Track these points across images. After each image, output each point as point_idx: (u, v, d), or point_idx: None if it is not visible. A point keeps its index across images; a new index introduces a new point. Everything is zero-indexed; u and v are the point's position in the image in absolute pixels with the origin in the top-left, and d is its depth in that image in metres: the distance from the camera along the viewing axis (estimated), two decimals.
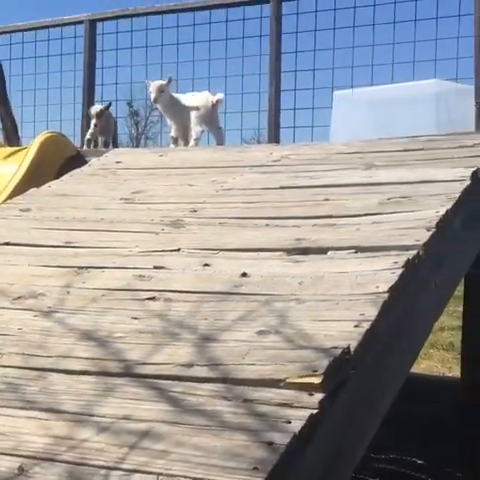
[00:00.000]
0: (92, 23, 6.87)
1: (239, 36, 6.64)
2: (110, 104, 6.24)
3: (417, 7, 6.13)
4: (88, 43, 6.83)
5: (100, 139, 6.08)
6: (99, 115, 5.91)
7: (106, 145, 6.00)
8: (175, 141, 5.62)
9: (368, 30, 6.29)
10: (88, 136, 5.97)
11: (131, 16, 6.81)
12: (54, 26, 7.15)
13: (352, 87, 6.10)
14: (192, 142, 5.38)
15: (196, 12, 6.63)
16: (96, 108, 6.04)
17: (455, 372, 6.13)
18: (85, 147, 5.83)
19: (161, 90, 5.46)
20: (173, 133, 5.60)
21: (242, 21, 6.58)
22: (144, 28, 6.81)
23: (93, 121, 5.89)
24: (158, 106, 5.77)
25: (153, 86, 5.53)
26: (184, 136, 5.53)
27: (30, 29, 7.15)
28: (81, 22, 6.92)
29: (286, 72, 6.37)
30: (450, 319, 8.21)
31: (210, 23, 6.65)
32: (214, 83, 6.63)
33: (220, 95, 5.57)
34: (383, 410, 2.18)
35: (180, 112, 5.48)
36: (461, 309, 4.58)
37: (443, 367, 7.15)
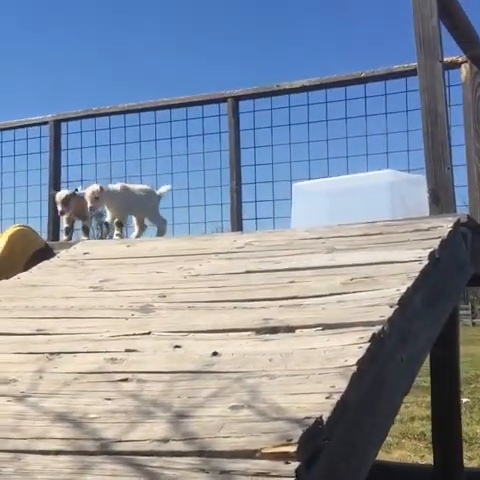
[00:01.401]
0: (57, 123, 7.03)
1: (199, 133, 6.85)
2: (76, 189, 6.10)
3: (367, 103, 6.43)
4: (53, 142, 6.97)
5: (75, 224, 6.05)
6: (65, 202, 5.81)
7: (85, 230, 5.94)
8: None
9: (322, 125, 6.55)
10: (65, 224, 5.91)
11: (94, 116, 7.00)
12: (20, 127, 7.31)
13: (309, 178, 6.30)
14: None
15: (157, 111, 6.85)
16: (61, 195, 5.91)
17: (428, 460, 6.12)
18: (64, 236, 5.89)
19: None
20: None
21: (201, 119, 6.81)
22: (107, 127, 6.99)
23: (59, 208, 5.77)
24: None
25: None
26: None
27: None
28: (46, 123, 7.09)
29: (246, 166, 6.56)
30: (420, 409, 8.25)
31: (171, 121, 6.86)
32: (177, 178, 6.79)
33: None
34: None
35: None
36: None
37: (416, 456, 7.13)
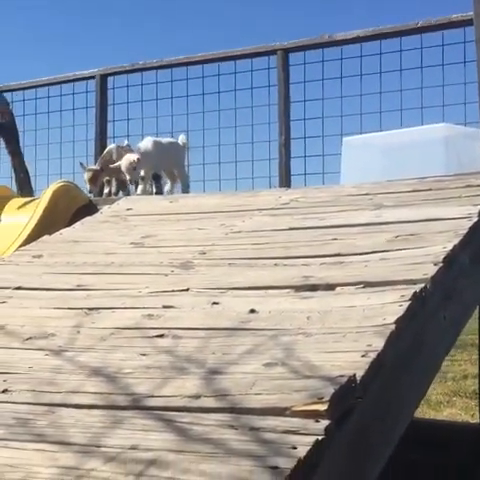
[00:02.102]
0: (103, 78, 7.05)
1: (248, 87, 6.79)
2: (101, 169, 5.89)
3: (423, 54, 6.26)
4: (99, 97, 7.00)
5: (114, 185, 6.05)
6: (92, 180, 5.74)
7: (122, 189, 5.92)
8: None
9: (375, 78, 6.42)
10: (106, 189, 5.97)
11: (141, 70, 6.99)
12: (66, 82, 7.35)
13: (361, 133, 6.20)
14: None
15: (205, 65, 6.81)
16: (88, 175, 5.79)
17: (478, 419, 6.07)
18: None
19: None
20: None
21: (250, 72, 6.74)
22: (154, 81, 6.98)
23: (87, 187, 5.70)
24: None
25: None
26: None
27: (43, 85, 7.34)
28: (92, 77, 7.12)
29: (295, 120, 6.49)
30: (474, 367, 8.16)
31: (219, 75, 6.81)
32: (224, 133, 6.76)
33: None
34: (393, 439, 2.19)
35: None
36: None
37: (466, 414, 7.08)
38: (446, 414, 6.76)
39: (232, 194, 4.64)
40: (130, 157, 5.53)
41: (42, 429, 1.99)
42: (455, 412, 7.01)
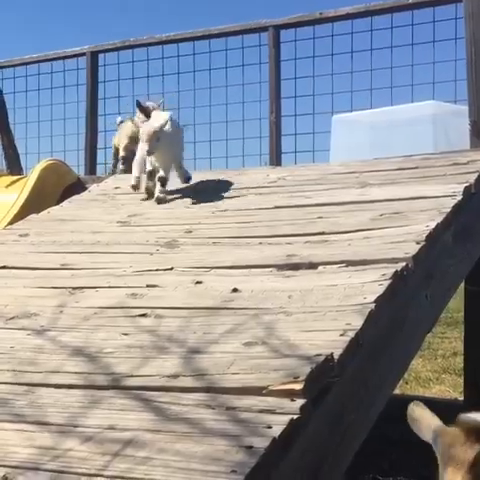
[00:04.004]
0: (94, 55, 6.97)
1: (239, 64, 6.73)
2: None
3: (414, 31, 6.21)
4: (90, 75, 6.93)
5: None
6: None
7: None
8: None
9: (366, 55, 6.37)
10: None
11: (132, 47, 6.92)
12: (57, 59, 7.26)
13: (352, 111, 6.16)
14: None
15: (196, 41, 6.74)
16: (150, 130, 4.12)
17: None
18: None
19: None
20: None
21: (241, 49, 6.68)
22: (145, 59, 6.91)
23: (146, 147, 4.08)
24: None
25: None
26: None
27: (33, 62, 7.27)
28: (83, 54, 7.03)
29: (286, 98, 6.44)
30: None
31: (210, 52, 6.75)
32: (215, 111, 6.71)
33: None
34: (371, 417, 2.19)
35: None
36: None
37: (455, 391, 7.10)
38: (435, 391, 6.78)
39: (220, 172, 4.61)
40: (161, 117, 4.15)
41: (21, 409, 1.98)
42: (444, 389, 7.02)
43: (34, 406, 1.99)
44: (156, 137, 3.99)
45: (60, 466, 1.67)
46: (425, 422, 1.40)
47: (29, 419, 1.92)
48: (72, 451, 1.73)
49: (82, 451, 1.72)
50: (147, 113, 4.33)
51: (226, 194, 3.97)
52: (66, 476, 1.63)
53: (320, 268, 2.72)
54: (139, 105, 4.44)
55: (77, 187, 4.75)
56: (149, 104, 4.62)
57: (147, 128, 4.06)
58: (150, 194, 4.11)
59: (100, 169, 6.54)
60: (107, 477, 1.60)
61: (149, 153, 4.01)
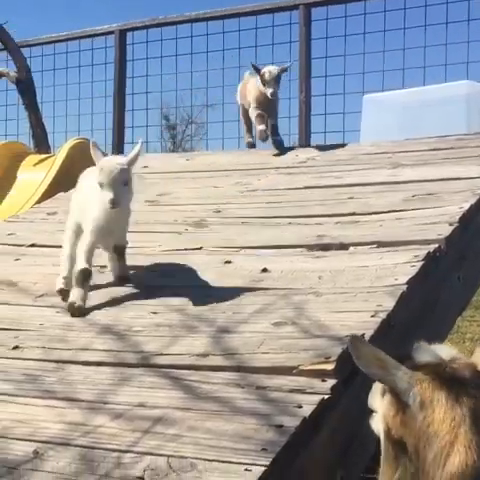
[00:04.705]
0: (122, 33, 6.97)
1: (269, 43, 6.69)
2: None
3: (448, 10, 6.12)
4: (118, 53, 6.94)
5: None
6: (276, 80, 4.30)
7: (274, 130, 4.51)
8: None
9: (399, 34, 6.30)
10: (260, 126, 4.41)
11: (161, 25, 6.90)
12: (85, 37, 7.27)
13: (383, 91, 6.10)
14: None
15: (225, 20, 6.71)
16: (272, 70, 4.34)
17: None
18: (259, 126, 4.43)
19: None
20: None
21: (272, 28, 6.63)
22: (174, 37, 6.90)
23: (269, 90, 4.22)
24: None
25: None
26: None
27: (61, 40, 7.28)
28: (112, 32, 7.03)
29: (316, 77, 6.39)
30: None
31: (239, 30, 6.71)
32: None
33: None
34: None
35: None
36: None
37: None
38: None
39: (249, 152, 4.61)
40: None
41: (51, 385, 2.01)
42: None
43: (64, 383, 2.02)
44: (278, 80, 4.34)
45: (90, 442, 1.69)
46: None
47: (59, 395, 1.94)
48: (102, 427, 1.75)
49: (112, 427, 1.75)
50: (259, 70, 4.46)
51: (255, 174, 3.96)
52: (96, 452, 1.65)
53: (351, 249, 2.71)
54: (254, 67, 4.52)
55: None
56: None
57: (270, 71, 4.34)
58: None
59: (127, 148, 6.57)
60: (137, 453, 1.62)
61: (272, 95, 4.29)
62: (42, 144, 5.52)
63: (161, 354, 2.09)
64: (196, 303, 2.44)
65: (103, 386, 1.97)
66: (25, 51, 6.48)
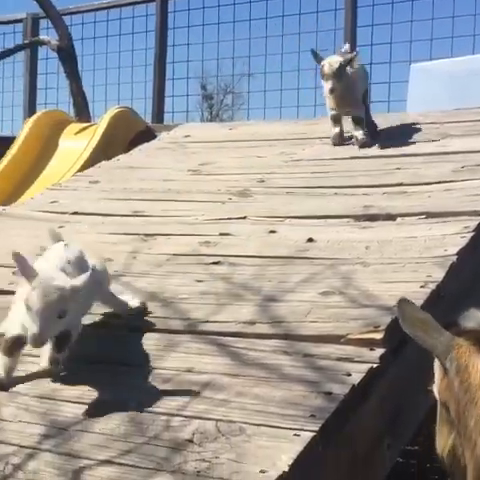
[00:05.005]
0: (164, 1, 6.97)
1: (313, 11, 6.64)
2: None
3: None
4: (160, 21, 6.94)
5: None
6: (337, 74, 3.67)
7: (357, 123, 3.80)
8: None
9: (448, 1, 6.21)
10: (332, 109, 3.86)
11: None
12: (126, 5, 7.28)
13: (431, 60, 6.04)
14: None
15: None
16: (332, 63, 3.71)
17: None
18: (334, 128, 3.86)
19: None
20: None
21: None
22: (216, 5, 6.88)
23: (328, 85, 3.69)
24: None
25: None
26: None
27: (102, 8, 7.30)
28: (153, 0, 7.03)
29: (362, 46, 6.34)
30: None
31: None
32: (287, 59, 6.66)
33: None
34: None
35: None
36: None
37: None
38: None
39: (293, 122, 4.61)
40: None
41: (99, 350, 2.06)
42: None
43: (112, 348, 2.07)
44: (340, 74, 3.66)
45: (139, 405, 1.73)
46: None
47: (109, 360, 1.99)
48: (151, 391, 1.80)
49: (160, 392, 1.79)
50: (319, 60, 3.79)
51: (300, 144, 3.97)
52: (145, 415, 1.69)
53: (398, 220, 2.72)
54: (314, 54, 3.82)
55: (146, 135, 4.81)
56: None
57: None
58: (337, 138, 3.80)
59: (167, 117, 6.60)
60: (185, 417, 1.66)
61: (331, 91, 3.69)
62: (83, 113, 5.57)
63: (207, 321, 2.13)
64: (241, 272, 2.47)
65: (150, 352, 2.01)
66: (66, 19, 6.52)
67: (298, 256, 2.53)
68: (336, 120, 3.84)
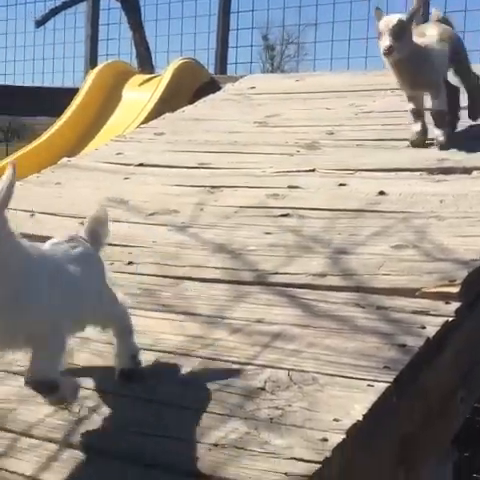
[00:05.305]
0: None
1: None
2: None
3: None
4: None
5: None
6: (397, 32, 2.93)
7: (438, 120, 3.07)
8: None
9: None
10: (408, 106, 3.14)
11: None
12: None
13: None
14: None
15: None
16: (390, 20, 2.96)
17: None
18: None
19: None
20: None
21: None
22: None
23: (385, 42, 2.94)
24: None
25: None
26: None
27: None
28: None
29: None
30: None
31: None
32: (356, 7, 6.55)
33: None
34: None
35: None
36: None
37: None
38: None
39: (362, 73, 4.57)
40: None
41: (168, 300, 2.11)
42: None
43: (180, 297, 2.12)
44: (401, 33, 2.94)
45: (210, 354, 1.78)
46: None
47: (177, 309, 2.04)
48: (221, 341, 1.84)
49: (231, 341, 1.83)
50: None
51: (370, 95, 3.94)
52: (217, 363, 1.74)
53: (474, 173, 2.70)
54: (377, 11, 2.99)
55: (211, 86, 4.83)
56: None
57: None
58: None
59: (230, 69, 6.59)
60: (257, 366, 1.69)
61: (387, 52, 2.95)
62: (146, 64, 5.61)
63: (276, 273, 2.16)
64: (311, 225, 2.49)
65: (220, 302, 2.05)
66: None
67: (369, 209, 2.53)
68: (417, 115, 3.12)
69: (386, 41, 2.93)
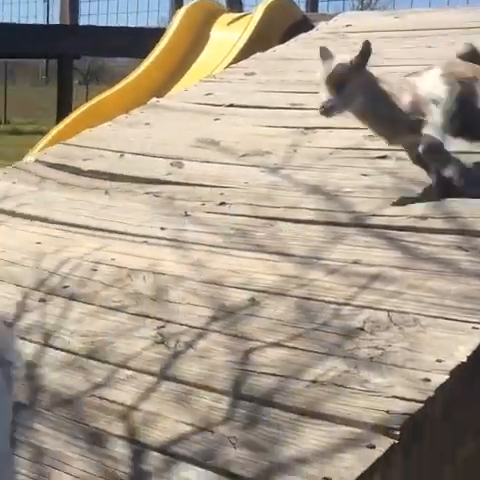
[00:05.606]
0: None
1: None
2: None
3: None
4: None
5: None
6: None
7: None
8: None
9: None
10: None
11: None
12: None
13: None
14: None
15: None
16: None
17: None
18: None
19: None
20: None
21: None
22: None
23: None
24: None
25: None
26: None
27: None
28: None
29: None
30: None
31: None
32: None
33: None
34: None
35: None
36: None
37: None
38: None
39: (466, 10, 4.45)
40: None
41: (261, 240, 2.15)
42: None
43: (274, 238, 2.15)
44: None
45: (306, 293, 1.81)
46: None
47: (270, 250, 2.08)
48: (317, 281, 1.87)
49: (327, 282, 1.86)
50: None
51: (476, 33, 3.83)
52: (313, 303, 1.77)
53: None
54: None
55: (303, 25, 4.79)
56: None
57: None
58: None
59: (321, 6, 6.51)
60: (355, 306, 1.72)
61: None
62: (234, 3, 5.60)
63: (374, 215, 2.16)
64: (410, 167, 2.46)
65: (315, 243, 2.07)
66: None
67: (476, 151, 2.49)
68: None
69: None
